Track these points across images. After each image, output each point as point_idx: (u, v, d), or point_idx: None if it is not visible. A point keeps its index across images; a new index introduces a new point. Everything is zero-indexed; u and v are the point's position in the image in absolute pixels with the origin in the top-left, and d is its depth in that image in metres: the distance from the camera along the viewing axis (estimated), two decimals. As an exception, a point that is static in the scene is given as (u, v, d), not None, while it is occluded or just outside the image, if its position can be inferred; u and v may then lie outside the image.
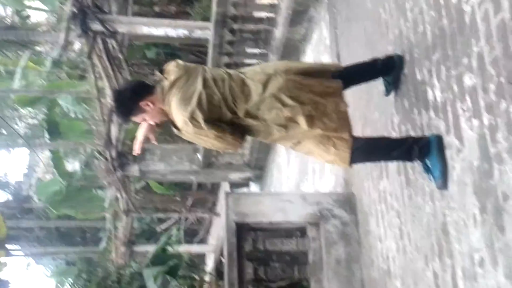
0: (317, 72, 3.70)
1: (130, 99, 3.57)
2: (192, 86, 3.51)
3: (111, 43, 9.80)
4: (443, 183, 3.40)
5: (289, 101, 3.47)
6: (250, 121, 3.54)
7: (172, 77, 3.56)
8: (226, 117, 3.52)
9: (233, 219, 5.33)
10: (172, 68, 3.62)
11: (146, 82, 3.75)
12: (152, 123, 3.65)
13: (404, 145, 3.59)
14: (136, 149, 3.70)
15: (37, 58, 15.40)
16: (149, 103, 3.53)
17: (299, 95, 3.50)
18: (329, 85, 3.64)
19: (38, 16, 17.60)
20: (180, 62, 3.69)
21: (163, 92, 3.53)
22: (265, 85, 3.52)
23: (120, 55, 10.08)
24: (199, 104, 3.44)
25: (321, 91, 3.58)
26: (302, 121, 3.46)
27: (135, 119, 3.62)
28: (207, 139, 3.52)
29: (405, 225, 4.15)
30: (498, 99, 2.82)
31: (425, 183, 3.74)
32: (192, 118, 3.42)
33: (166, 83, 3.55)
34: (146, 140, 3.73)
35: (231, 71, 3.73)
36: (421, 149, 3.50)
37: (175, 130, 3.59)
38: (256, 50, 8.69)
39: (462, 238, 3.23)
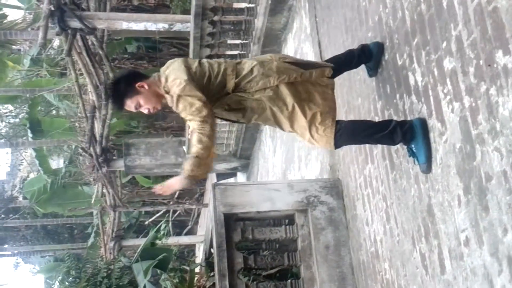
0: (310, 65, 3.86)
1: (125, 81, 3.68)
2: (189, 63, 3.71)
3: (91, 39, 9.75)
4: (428, 167, 3.48)
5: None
6: (240, 95, 3.68)
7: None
8: (217, 93, 3.67)
9: (221, 210, 5.37)
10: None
11: (139, 71, 3.91)
12: (145, 110, 3.70)
13: (387, 127, 3.65)
14: (158, 190, 3.76)
15: (16, 57, 15.28)
16: (145, 84, 3.62)
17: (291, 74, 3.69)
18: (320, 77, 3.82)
19: (14, 15, 17.44)
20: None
21: (159, 76, 3.68)
22: (260, 63, 3.73)
23: (100, 51, 10.04)
24: (194, 74, 3.61)
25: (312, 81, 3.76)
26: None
27: (130, 103, 3.66)
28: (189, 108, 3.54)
29: (391, 208, 4.21)
30: (478, 82, 2.88)
31: (409, 166, 3.80)
32: (187, 83, 3.52)
33: (162, 68, 3.74)
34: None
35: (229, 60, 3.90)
36: (405, 133, 3.56)
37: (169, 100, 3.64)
38: (237, 41, 8.69)
39: (447, 219, 3.30)
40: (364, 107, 4.71)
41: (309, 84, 3.70)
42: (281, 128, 3.79)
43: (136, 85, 3.62)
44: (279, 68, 3.66)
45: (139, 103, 3.66)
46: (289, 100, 3.61)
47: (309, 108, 3.63)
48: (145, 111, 3.72)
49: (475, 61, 2.89)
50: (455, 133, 3.16)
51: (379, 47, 4.16)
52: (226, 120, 4.03)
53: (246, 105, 3.70)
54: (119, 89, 3.68)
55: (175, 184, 3.64)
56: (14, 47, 15.38)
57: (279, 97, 3.63)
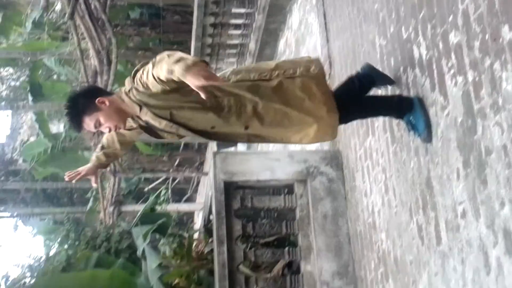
0: None
1: (84, 97, 3.32)
2: None
3: (94, 3, 9.70)
4: (428, 134, 3.52)
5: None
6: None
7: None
8: None
9: (221, 177, 5.42)
10: None
11: (101, 88, 3.61)
12: (106, 129, 3.31)
13: (391, 100, 3.71)
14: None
15: (18, 20, 15.18)
16: (106, 100, 3.23)
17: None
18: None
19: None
20: None
21: (124, 91, 3.26)
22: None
23: (103, 16, 9.99)
24: None
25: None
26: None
27: (88, 120, 3.25)
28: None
29: (390, 180, 4.27)
30: (482, 56, 2.90)
31: (410, 139, 3.84)
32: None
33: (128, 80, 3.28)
34: (84, 177, 3.70)
35: None
36: (406, 106, 3.62)
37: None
38: (242, 10, 8.66)
39: (446, 192, 3.35)
40: (367, 80, 4.72)
41: None
42: None
43: (96, 101, 3.20)
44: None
45: (98, 121, 3.24)
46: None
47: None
48: (106, 131, 3.34)
49: (480, 36, 2.91)
50: (457, 107, 3.19)
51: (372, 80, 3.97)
52: None
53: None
54: (77, 105, 3.28)
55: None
56: (18, 9, 15.31)
57: None
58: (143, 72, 3.06)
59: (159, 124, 3.27)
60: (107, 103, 3.22)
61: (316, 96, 3.35)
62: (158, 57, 2.97)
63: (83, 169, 3.68)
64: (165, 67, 2.89)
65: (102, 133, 3.63)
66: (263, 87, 3.32)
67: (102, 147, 3.67)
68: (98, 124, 3.26)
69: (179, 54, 2.91)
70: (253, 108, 3.30)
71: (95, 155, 3.71)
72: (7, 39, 14.53)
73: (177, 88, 3.09)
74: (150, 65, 3.01)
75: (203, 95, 2.84)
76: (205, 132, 3.38)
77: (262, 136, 3.48)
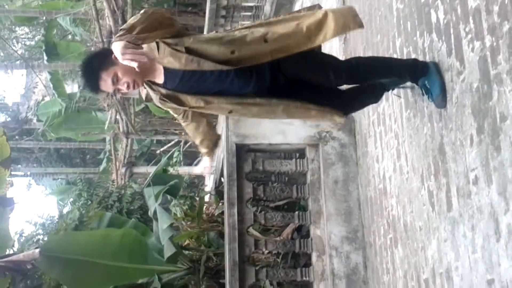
0: None
1: (100, 55, 3.31)
2: None
3: (110, -38, 9.64)
4: (443, 99, 3.47)
5: None
6: None
7: None
8: None
9: (233, 140, 5.44)
10: None
11: None
12: (124, 85, 3.22)
13: (405, 63, 3.69)
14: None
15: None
16: None
17: None
18: None
19: None
20: None
21: None
22: None
23: (119, -25, 9.93)
24: None
25: None
26: None
27: (106, 76, 3.18)
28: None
29: (403, 146, 4.24)
30: (501, 21, 2.84)
31: (424, 105, 3.81)
32: None
33: None
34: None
35: None
36: (421, 69, 3.58)
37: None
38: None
39: (458, 158, 3.33)
40: (383, 44, 4.67)
41: None
42: None
43: (112, 57, 3.12)
44: None
45: (116, 75, 3.17)
46: None
47: None
48: (124, 87, 3.22)
49: (500, 0, 2.85)
50: (473, 73, 3.14)
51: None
52: None
53: None
54: (93, 63, 3.24)
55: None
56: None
57: None
58: None
59: (179, 61, 3.18)
60: None
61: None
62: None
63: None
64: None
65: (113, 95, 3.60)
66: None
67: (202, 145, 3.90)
68: (116, 79, 3.18)
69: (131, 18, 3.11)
70: (266, 28, 3.30)
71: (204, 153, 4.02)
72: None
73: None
74: None
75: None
76: (227, 60, 3.22)
77: (285, 46, 3.25)
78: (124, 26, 3.07)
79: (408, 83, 3.91)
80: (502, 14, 2.83)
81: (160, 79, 3.32)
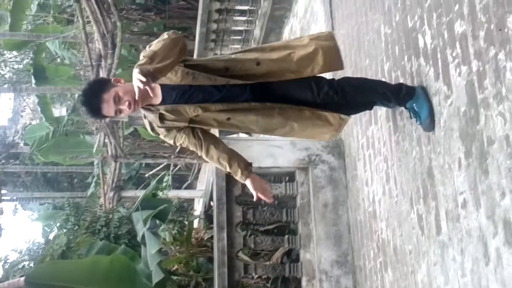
0: None
1: (100, 81, 3.52)
2: None
3: (100, -14, 9.68)
4: (431, 122, 3.51)
5: None
6: None
7: None
8: None
9: (223, 163, 5.42)
10: None
11: None
12: (125, 104, 3.25)
13: (393, 86, 3.75)
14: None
15: (23, 2, 15.13)
16: (121, 80, 3.35)
17: None
18: None
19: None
20: None
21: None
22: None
23: (109, 0, 9.97)
24: None
25: None
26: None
27: (107, 97, 3.23)
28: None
29: (392, 169, 4.26)
30: (487, 46, 2.88)
31: (412, 129, 3.83)
32: None
33: None
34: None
35: None
36: (405, 92, 3.63)
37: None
38: (248, -4, 8.64)
39: (447, 181, 3.35)
40: (372, 68, 4.72)
41: None
42: None
43: (112, 80, 3.35)
44: None
45: (117, 95, 3.22)
46: None
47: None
48: (126, 106, 3.24)
49: (486, 25, 2.89)
50: (460, 97, 3.18)
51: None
52: None
53: None
54: (93, 88, 3.34)
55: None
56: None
57: None
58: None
59: (175, 75, 3.30)
60: (122, 81, 3.33)
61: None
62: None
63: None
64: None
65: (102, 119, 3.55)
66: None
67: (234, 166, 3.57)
68: (117, 99, 3.23)
69: (155, 42, 3.21)
70: (260, 53, 3.48)
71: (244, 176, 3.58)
72: (20, 22, 14.41)
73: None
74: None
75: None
76: (221, 75, 3.37)
77: (274, 71, 3.41)
78: (147, 52, 3.14)
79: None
80: (488, 40, 2.88)
81: (157, 99, 3.39)
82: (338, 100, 3.57)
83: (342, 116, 3.57)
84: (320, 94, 3.51)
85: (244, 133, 3.96)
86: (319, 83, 3.54)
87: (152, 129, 3.53)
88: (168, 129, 3.50)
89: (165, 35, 3.24)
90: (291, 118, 3.53)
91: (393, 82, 4.15)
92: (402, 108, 3.84)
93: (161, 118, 3.42)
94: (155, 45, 3.19)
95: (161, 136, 3.56)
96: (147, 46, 3.25)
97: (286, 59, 3.43)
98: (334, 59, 3.51)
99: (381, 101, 3.83)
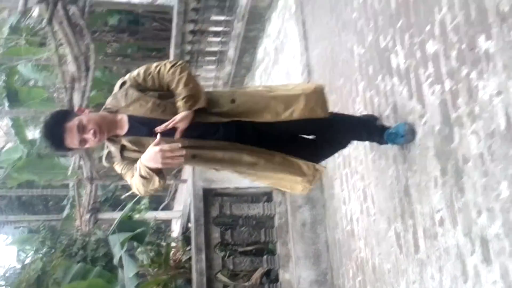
0: None
1: (61, 112, 3.22)
2: None
3: (72, 9, 9.64)
4: (411, 133, 3.48)
5: None
6: None
7: None
8: None
9: (200, 185, 5.42)
10: None
11: None
12: (91, 132, 3.04)
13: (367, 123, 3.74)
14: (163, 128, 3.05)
15: (-6, 24, 15.01)
16: (85, 109, 3.16)
17: None
18: None
19: (-6, -20, 17.04)
20: None
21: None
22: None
23: (81, 22, 9.93)
24: None
25: None
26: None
27: (71, 125, 3.01)
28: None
29: (369, 188, 4.28)
30: (459, 65, 2.93)
31: (388, 147, 3.85)
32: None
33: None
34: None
35: None
36: (380, 129, 3.66)
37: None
38: (221, 17, 8.68)
39: (424, 200, 3.37)
40: (346, 88, 4.75)
41: None
42: None
43: (76, 110, 3.13)
44: None
45: (81, 124, 3.01)
46: None
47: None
48: (91, 135, 3.03)
49: (457, 45, 2.94)
50: (434, 116, 3.21)
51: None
52: None
53: None
54: (56, 118, 3.09)
55: (182, 117, 3.04)
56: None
57: None
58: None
59: (146, 105, 3.10)
60: (87, 111, 3.12)
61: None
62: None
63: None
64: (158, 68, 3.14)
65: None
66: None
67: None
68: (81, 128, 3.01)
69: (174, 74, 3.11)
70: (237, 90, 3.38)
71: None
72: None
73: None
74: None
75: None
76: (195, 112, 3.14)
77: (249, 110, 3.20)
78: (190, 91, 3.10)
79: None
80: (460, 59, 2.92)
81: (123, 130, 3.18)
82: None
83: (317, 166, 3.33)
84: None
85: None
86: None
87: (108, 159, 3.27)
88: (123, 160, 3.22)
89: (169, 66, 3.12)
90: (260, 162, 3.25)
91: (368, 103, 4.19)
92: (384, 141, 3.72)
93: (122, 149, 3.17)
94: (185, 82, 3.07)
95: (115, 166, 3.27)
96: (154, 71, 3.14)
97: (262, 95, 3.25)
98: (317, 104, 3.25)
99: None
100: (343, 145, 3.87)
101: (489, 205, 2.70)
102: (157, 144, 2.85)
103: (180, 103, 3.05)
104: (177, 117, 3.03)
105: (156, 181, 3.03)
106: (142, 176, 3.02)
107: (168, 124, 3.02)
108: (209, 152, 3.20)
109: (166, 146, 2.84)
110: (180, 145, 2.90)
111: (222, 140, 3.21)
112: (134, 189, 3.20)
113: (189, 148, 3.13)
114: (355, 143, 4.54)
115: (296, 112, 3.18)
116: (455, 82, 2.98)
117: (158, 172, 2.99)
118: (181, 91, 3.07)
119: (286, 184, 3.42)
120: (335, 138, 3.66)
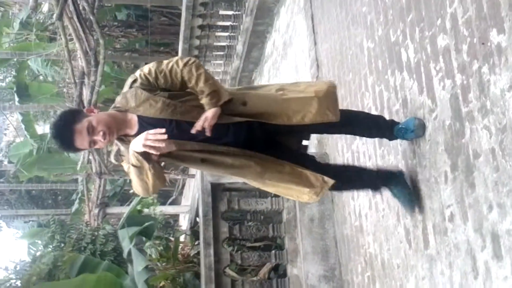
0: None
1: (72, 111, 3.28)
2: None
3: (82, 4, 9.63)
4: (422, 128, 3.46)
5: None
6: None
7: None
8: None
9: (208, 179, 5.40)
10: None
11: None
12: (100, 134, 3.03)
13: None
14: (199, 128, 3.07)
15: (6, 20, 15.07)
16: (94, 109, 3.15)
17: None
18: None
19: (4, -24, 17.10)
20: None
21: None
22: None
23: (91, 17, 9.92)
24: None
25: None
26: None
27: (80, 127, 3.01)
28: None
29: (378, 183, 4.25)
30: (470, 60, 2.90)
31: (398, 142, 3.83)
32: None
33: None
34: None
35: None
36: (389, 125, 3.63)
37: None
38: (230, 12, 8.66)
39: (433, 195, 3.35)
40: (355, 83, 4.73)
41: None
42: None
43: (85, 110, 3.13)
44: None
45: (91, 125, 3.00)
46: None
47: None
48: (100, 137, 3.03)
49: (469, 39, 2.91)
50: (445, 110, 3.18)
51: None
52: None
53: None
54: (65, 119, 3.07)
55: (214, 114, 3.05)
56: (5, 9, 15.20)
57: None
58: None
59: (155, 106, 3.07)
60: (96, 111, 3.13)
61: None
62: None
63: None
64: (169, 64, 3.10)
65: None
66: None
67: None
68: (91, 129, 3.00)
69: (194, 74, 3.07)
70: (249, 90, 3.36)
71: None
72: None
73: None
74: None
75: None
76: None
77: (261, 113, 3.16)
78: (210, 88, 3.08)
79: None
80: (471, 53, 2.89)
81: (133, 130, 3.16)
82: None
83: (326, 178, 3.27)
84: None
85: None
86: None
87: (116, 156, 3.28)
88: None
89: (182, 65, 3.07)
90: (269, 171, 3.24)
91: (377, 97, 4.16)
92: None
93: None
94: (205, 79, 3.05)
95: (123, 163, 3.25)
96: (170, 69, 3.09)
97: (274, 98, 3.21)
98: (329, 108, 3.22)
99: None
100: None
101: (500, 200, 2.67)
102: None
103: (205, 100, 3.05)
104: (208, 115, 3.04)
105: (147, 170, 3.05)
106: (133, 165, 3.04)
107: (203, 123, 3.02)
108: (218, 157, 3.20)
109: (151, 131, 2.93)
110: (164, 130, 2.94)
111: (231, 143, 3.19)
112: (134, 189, 3.25)
113: (199, 152, 3.17)
114: (363, 138, 4.52)
115: (307, 117, 3.17)
116: (466, 77, 2.94)
117: (146, 158, 3.01)
118: (203, 88, 3.05)
119: (292, 193, 3.39)
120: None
